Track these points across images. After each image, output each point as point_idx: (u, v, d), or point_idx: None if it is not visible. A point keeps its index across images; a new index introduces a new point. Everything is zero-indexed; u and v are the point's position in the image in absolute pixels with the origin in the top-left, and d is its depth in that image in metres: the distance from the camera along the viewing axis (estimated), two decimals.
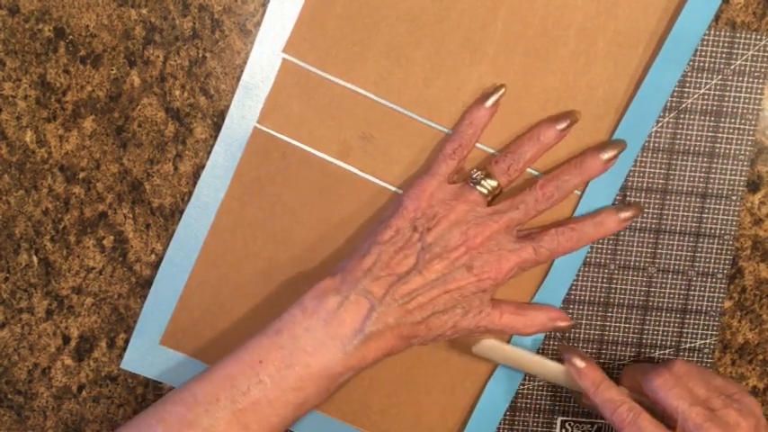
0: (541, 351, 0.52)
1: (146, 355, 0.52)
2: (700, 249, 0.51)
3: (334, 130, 0.50)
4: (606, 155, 0.48)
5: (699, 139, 0.50)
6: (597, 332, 0.52)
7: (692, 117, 0.50)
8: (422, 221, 0.46)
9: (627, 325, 0.52)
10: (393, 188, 0.50)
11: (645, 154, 0.51)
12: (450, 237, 0.46)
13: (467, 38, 0.49)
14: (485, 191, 0.47)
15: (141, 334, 0.52)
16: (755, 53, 0.49)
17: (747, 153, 0.50)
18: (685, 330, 0.52)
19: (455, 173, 0.48)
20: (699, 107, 0.50)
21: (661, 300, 0.52)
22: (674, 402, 0.45)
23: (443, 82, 0.49)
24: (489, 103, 0.48)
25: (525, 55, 0.49)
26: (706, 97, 0.50)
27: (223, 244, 0.51)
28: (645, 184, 0.51)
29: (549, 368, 0.49)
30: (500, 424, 0.53)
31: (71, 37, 0.50)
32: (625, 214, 0.49)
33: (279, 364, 0.45)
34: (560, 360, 0.49)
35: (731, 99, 0.50)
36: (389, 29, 0.49)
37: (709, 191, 0.51)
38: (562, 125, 0.48)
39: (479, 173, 0.47)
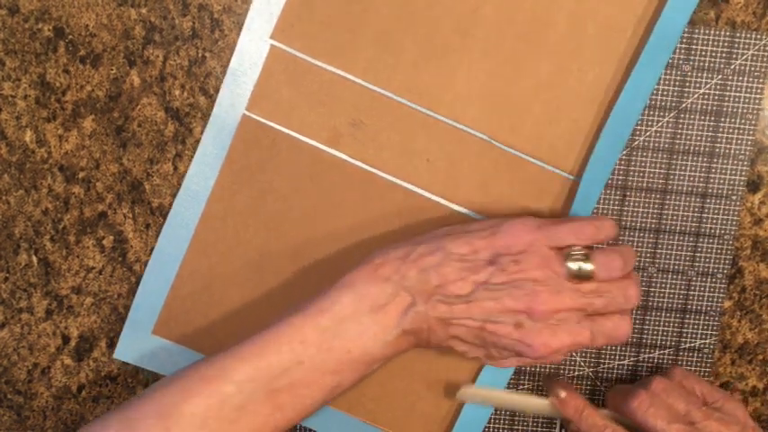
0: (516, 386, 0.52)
1: (138, 344, 0.52)
2: (700, 249, 0.51)
3: (324, 117, 0.50)
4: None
5: (699, 138, 0.50)
6: None
7: (692, 117, 0.50)
8: (504, 260, 0.44)
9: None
10: (383, 175, 0.50)
11: (645, 154, 0.50)
12: (519, 288, 0.44)
13: (457, 22, 0.49)
14: (575, 269, 0.44)
15: (133, 324, 0.52)
16: (755, 53, 0.49)
17: (747, 153, 0.50)
18: (685, 330, 0.52)
19: (559, 249, 0.45)
20: (699, 107, 0.50)
21: (661, 300, 0.52)
22: (653, 422, 0.45)
23: (434, 67, 0.49)
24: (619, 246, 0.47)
25: (516, 39, 0.49)
26: (706, 97, 0.50)
27: (214, 233, 0.51)
28: (645, 184, 0.51)
29: (535, 403, 0.49)
30: (500, 424, 0.53)
31: (71, 37, 0.50)
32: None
33: (320, 346, 0.44)
34: (543, 393, 0.50)
35: (731, 99, 0.50)
36: (379, 14, 0.49)
37: (710, 191, 0.51)
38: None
39: (581, 253, 0.44)
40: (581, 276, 0.44)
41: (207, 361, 0.44)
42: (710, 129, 0.50)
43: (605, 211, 0.51)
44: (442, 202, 0.51)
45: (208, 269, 0.52)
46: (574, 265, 0.44)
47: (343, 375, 0.44)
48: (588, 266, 0.44)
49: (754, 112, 0.50)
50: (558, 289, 0.44)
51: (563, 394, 0.48)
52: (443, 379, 0.52)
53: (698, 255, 0.51)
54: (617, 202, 0.51)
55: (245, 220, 0.51)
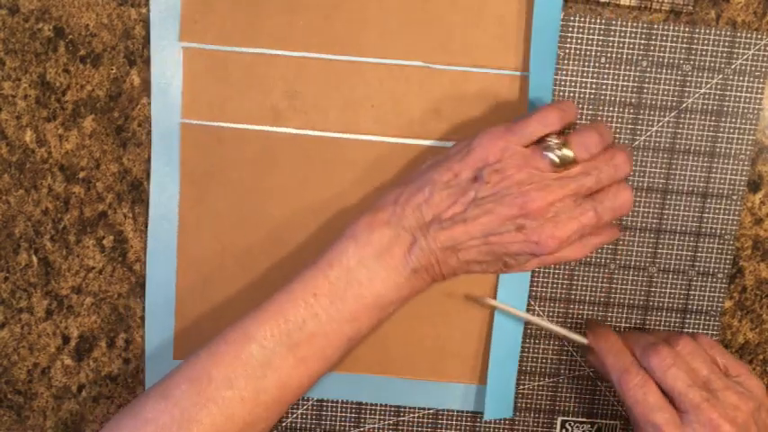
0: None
1: (164, 372, 0.52)
2: (700, 249, 0.51)
3: (259, 99, 0.50)
4: None
5: (699, 138, 0.50)
6: None
7: (692, 117, 0.50)
8: (485, 172, 0.44)
9: (627, 325, 0.52)
10: (336, 135, 0.50)
11: (645, 154, 0.50)
12: (507, 194, 0.44)
13: None
14: (557, 160, 0.44)
15: (153, 356, 0.52)
16: (756, 52, 0.49)
17: (748, 153, 0.50)
18: (686, 330, 0.52)
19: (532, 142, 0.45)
20: (699, 107, 0.50)
21: (661, 300, 0.52)
22: (672, 383, 0.45)
23: (345, 13, 0.49)
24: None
25: None
26: (707, 97, 0.50)
27: (196, 245, 0.51)
28: (645, 184, 0.51)
29: (571, 334, 0.49)
30: (500, 424, 0.53)
31: (71, 36, 0.50)
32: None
33: (333, 296, 0.45)
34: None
35: (732, 98, 0.50)
36: None
37: (710, 190, 0.51)
38: None
39: (556, 141, 0.44)
40: (564, 163, 0.44)
41: (231, 326, 0.45)
42: (711, 128, 0.50)
43: None
44: (402, 141, 0.50)
45: (203, 283, 0.52)
46: (553, 155, 0.44)
47: (360, 322, 0.45)
48: (567, 152, 0.44)
49: (755, 111, 0.50)
50: (545, 183, 0.44)
51: (597, 328, 0.49)
52: (464, 317, 0.52)
53: (698, 255, 0.51)
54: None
55: (221, 223, 0.51)
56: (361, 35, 0.49)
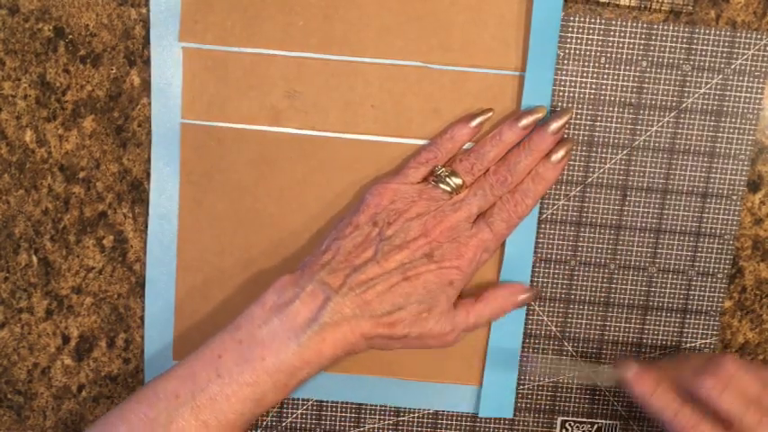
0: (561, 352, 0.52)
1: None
2: (700, 249, 0.51)
3: (259, 99, 0.50)
4: (553, 127, 0.48)
5: (699, 138, 0.50)
6: (597, 332, 0.52)
7: (692, 117, 0.50)
8: (382, 216, 0.46)
9: (627, 325, 0.52)
10: (335, 134, 0.50)
11: (645, 154, 0.50)
12: (410, 228, 0.46)
13: None
14: (448, 188, 0.47)
15: (153, 357, 0.52)
16: (756, 52, 0.49)
17: (748, 153, 0.50)
18: (685, 330, 0.52)
19: (422, 179, 0.48)
20: (699, 107, 0.50)
21: (661, 300, 0.52)
22: (728, 406, 0.45)
23: (345, 14, 0.49)
24: (474, 123, 0.48)
25: None
26: (706, 97, 0.50)
27: (196, 247, 0.51)
28: (645, 184, 0.51)
29: (602, 372, 0.49)
30: (500, 424, 0.53)
31: (71, 36, 0.50)
32: (557, 156, 0.48)
33: (237, 358, 0.45)
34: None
35: (732, 99, 0.50)
36: None
37: (710, 191, 0.51)
38: (524, 123, 0.48)
39: (443, 170, 0.47)
40: (456, 189, 0.47)
41: (146, 384, 0.46)
42: (711, 129, 0.50)
43: (605, 211, 0.51)
44: (402, 141, 0.50)
45: (203, 283, 0.52)
46: (444, 185, 0.47)
47: (263, 387, 0.45)
48: (456, 180, 0.47)
49: (755, 111, 0.50)
50: (441, 210, 0.47)
51: (635, 368, 0.47)
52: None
53: (698, 255, 0.51)
54: (617, 202, 0.51)
55: (221, 223, 0.51)
56: (361, 35, 0.49)
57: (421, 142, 0.50)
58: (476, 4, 0.49)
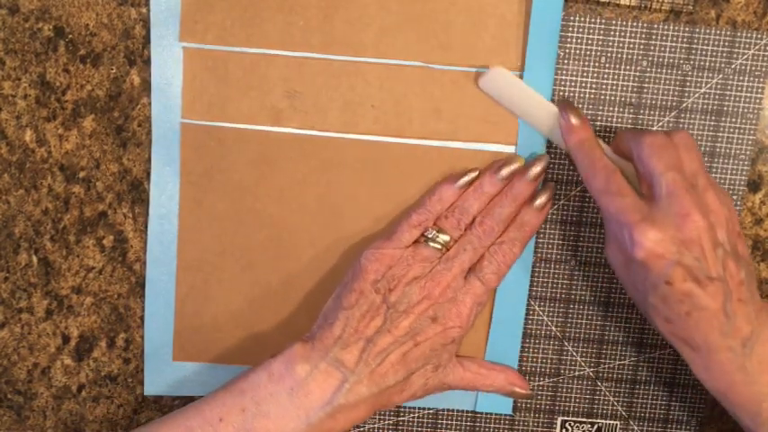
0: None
1: (164, 374, 0.52)
2: None
3: (259, 100, 0.50)
4: (532, 173, 0.48)
5: (699, 138, 0.50)
6: (597, 332, 0.52)
7: (692, 116, 0.50)
8: (383, 283, 0.46)
9: (627, 325, 0.52)
10: (335, 135, 0.50)
11: None
12: (412, 293, 0.46)
13: None
14: (438, 246, 0.47)
15: (152, 356, 0.52)
16: (756, 52, 0.49)
17: (748, 152, 0.50)
18: None
19: (414, 240, 0.48)
20: (699, 106, 0.50)
21: None
22: (654, 164, 0.43)
23: (345, 14, 0.49)
24: (459, 184, 0.48)
25: None
26: (706, 96, 0.50)
27: (196, 247, 0.51)
28: None
29: (544, 112, 0.48)
30: (501, 424, 0.53)
31: (71, 36, 0.50)
32: (540, 201, 0.48)
33: (239, 426, 0.44)
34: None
35: (732, 98, 0.50)
36: None
37: None
38: (504, 173, 0.48)
39: (432, 231, 0.48)
40: (447, 246, 0.48)
41: (142, 429, 0.45)
42: (711, 128, 0.50)
43: None
44: (400, 141, 0.50)
45: (203, 283, 0.52)
46: (434, 244, 0.47)
47: None
48: (444, 237, 0.48)
49: (755, 111, 0.50)
50: (436, 270, 0.47)
51: (575, 121, 0.47)
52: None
53: None
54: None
55: (221, 224, 0.51)
56: (362, 35, 0.49)
57: (421, 142, 0.50)
58: (476, 5, 0.49)
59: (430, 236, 0.48)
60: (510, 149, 0.50)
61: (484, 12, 0.49)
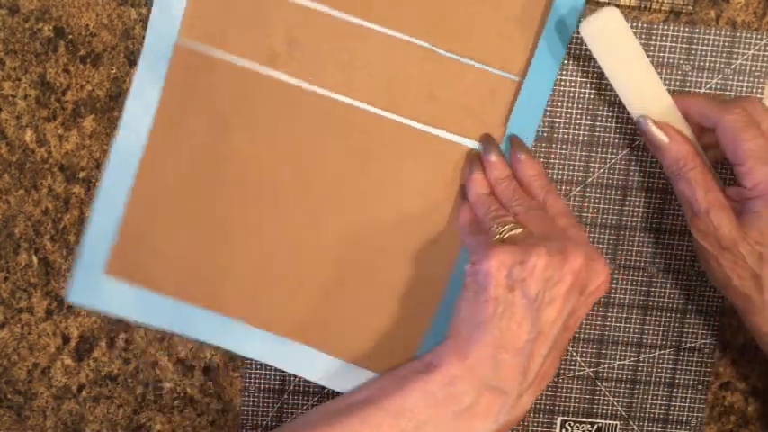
0: None
1: (91, 285, 0.51)
2: None
3: (260, 38, 0.49)
4: (523, 155, 0.48)
5: None
6: (597, 332, 0.52)
7: None
8: (514, 273, 0.42)
9: (627, 325, 0.52)
10: (325, 92, 0.50)
11: (645, 154, 0.50)
12: (549, 274, 0.42)
13: None
14: (515, 232, 0.44)
15: (85, 265, 0.51)
16: (756, 53, 0.49)
17: None
18: (685, 330, 0.52)
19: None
20: None
21: (661, 300, 0.52)
22: (747, 144, 0.43)
23: None
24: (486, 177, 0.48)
25: None
26: None
27: (160, 167, 0.50)
28: (645, 184, 0.51)
29: (661, 98, 0.45)
30: None
31: (71, 36, 0.50)
32: (521, 155, 0.48)
33: None
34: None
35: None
36: None
37: None
38: (493, 157, 0.48)
39: (504, 226, 0.45)
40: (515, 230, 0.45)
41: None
42: None
43: (605, 211, 0.51)
44: (388, 115, 0.50)
45: (157, 205, 0.50)
46: (516, 231, 0.44)
47: None
48: (517, 227, 0.44)
49: None
50: (547, 241, 0.43)
51: (677, 137, 0.45)
52: (408, 310, 0.51)
53: None
54: (617, 202, 0.51)
55: (191, 151, 0.50)
56: (378, 1, 0.49)
57: (410, 123, 0.50)
58: (496, 1, 0.48)
59: (506, 228, 0.44)
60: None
61: (501, 10, 0.49)
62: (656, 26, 0.49)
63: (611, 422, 0.53)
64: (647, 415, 0.53)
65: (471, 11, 0.49)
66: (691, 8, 0.49)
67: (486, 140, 0.49)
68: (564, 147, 0.50)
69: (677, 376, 0.53)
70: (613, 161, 0.51)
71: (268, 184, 0.50)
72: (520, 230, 0.44)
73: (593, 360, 0.53)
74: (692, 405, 0.53)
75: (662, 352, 0.52)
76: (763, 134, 0.43)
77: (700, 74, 0.50)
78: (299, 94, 0.50)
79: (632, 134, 0.50)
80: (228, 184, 0.50)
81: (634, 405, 0.53)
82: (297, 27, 0.49)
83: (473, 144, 0.50)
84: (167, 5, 0.49)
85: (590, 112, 0.50)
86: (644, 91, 0.45)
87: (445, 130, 0.50)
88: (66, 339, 0.53)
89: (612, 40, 0.44)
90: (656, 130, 0.45)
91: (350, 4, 0.49)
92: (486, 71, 0.50)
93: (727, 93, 0.50)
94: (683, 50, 0.50)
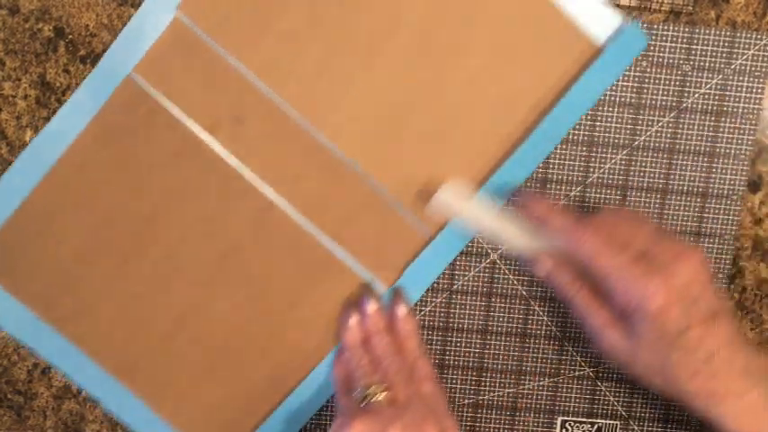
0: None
1: None
2: None
3: (210, 103, 0.49)
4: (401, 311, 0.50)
5: (699, 138, 0.50)
6: None
7: (692, 117, 0.50)
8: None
9: None
10: (251, 177, 0.49)
11: (645, 154, 0.50)
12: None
13: (368, 41, 0.48)
14: (379, 398, 0.46)
15: None
16: (756, 53, 0.49)
17: (748, 153, 0.50)
18: None
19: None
20: (699, 107, 0.50)
21: None
22: (603, 261, 0.44)
23: (330, 82, 0.49)
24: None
25: (427, 69, 0.48)
26: (706, 97, 0.50)
27: (67, 180, 0.50)
28: (645, 184, 0.51)
29: (522, 236, 0.48)
30: (500, 424, 0.53)
31: (71, 36, 0.50)
32: (401, 310, 0.50)
33: None
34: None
35: (732, 99, 0.50)
36: (290, 13, 0.48)
37: (710, 191, 0.51)
38: (372, 308, 0.50)
39: (367, 389, 0.47)
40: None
41: None
42: (711, 129, 0.50)
43: None
44: (302, 221, 0.50)
45: (51, 214, 0.50)
46: (378, 398, 0.46)
47: None
48: (381, 395, 0.46)
49: (755, 111, 0.50)
50: (405, 416, 0.45)
51: (548, 264, 0.48)
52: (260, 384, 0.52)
53: None
54: (617, 202, 0.51)
55: (102, 176, 0.50)
56: (330, 112, 0.49)
57: (320, 236, 0.50)
58: (542, 31, 0.48)
59: (370, 392, 0.46)
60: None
61: (545, 37, 0.49)
62: (656, 26, 0.49)
63: (612, 422, 0.53)
64: (647, 415, 0.53)
65: (414, 153, 0.49)
66: (691, 8, 0.49)
67: (368, 290, 0.50)
68: (564, 147, 0.50)
69: None
70: (613, 161, 0.51)
71: (166, 247, 0.50)
72: (383, 395, 0.46)
73: (593, 360, 0.53)
74: None
75: None
76: (622, 248, 0.44)
77: (700, 74, 0.50)
78: (224, 169, 0.50)
79: (631, 134, 0.50)
80: (129, 223, 0.50)
81: (634, 405, 0.53)
82: (248, 107, 0.49)
83: (368, 276, 0.51)
84: (135, 37, 0.49)
85: (590, 112, 0.50)
86: (507, 234, 0.48)
87: (353, 257, 0.50)
88: None
89: (460, 207, 0.48)
90: (537, 270, 0.48)
91: (304, 105, 0.49)
92: (401, 218, 0.50)
93: (728, 93, 0.50)
94: (683, 50, 0.50)
